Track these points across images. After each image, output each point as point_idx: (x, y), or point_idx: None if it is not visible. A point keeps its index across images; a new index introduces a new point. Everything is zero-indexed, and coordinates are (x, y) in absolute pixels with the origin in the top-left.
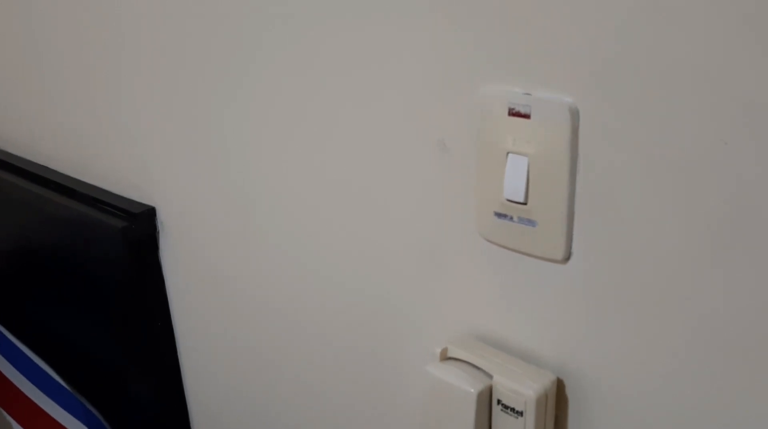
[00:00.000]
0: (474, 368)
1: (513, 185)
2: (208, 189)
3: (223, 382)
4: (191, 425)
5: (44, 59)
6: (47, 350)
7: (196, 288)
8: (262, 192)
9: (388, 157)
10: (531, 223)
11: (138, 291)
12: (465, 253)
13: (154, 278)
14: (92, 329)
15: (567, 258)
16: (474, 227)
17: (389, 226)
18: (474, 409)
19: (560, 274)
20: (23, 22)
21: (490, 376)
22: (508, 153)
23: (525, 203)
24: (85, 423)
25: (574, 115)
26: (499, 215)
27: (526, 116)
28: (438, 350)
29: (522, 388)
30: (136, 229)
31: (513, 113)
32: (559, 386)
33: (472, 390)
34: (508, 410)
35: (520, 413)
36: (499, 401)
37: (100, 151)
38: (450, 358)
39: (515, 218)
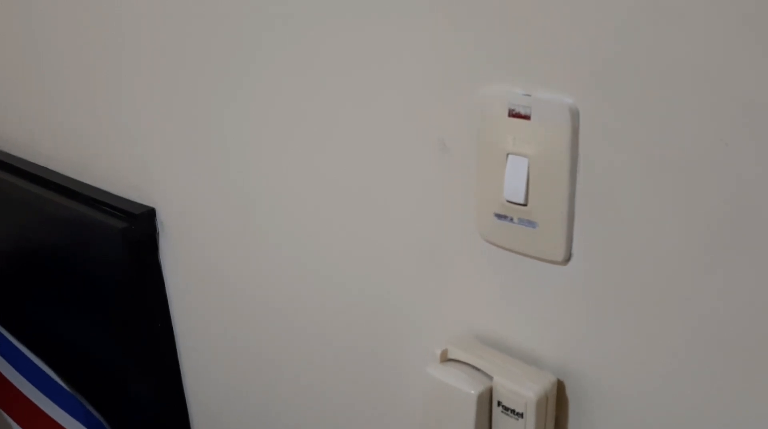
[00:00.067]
0: (474, 370)
1: (513, 186)
2: (208, 189)
3: (223, 382)
4: (191, 425)
5: (44, 59)
6: (47, 351)
7: (196, 288)
8: (262, 192)
9: (388, 157)
10: (531, 224)
11: (138, 291)
12: (465, 254)
13: (154, 279)
14: (92, 330)
15: (567, 259)
16: (474, 228)
17: (389, 226)
18: (474, 410)
19: (560, 275)
20: (23, 22)
21: (491, 378)
22: (508, 154)
23: (525, 204)
24: (85, 424)
25: (575, 115)
26: (499, 216)
27: (526, 117)
28: (438, 351)
29: (522, 389)
30: (136, 229)
31: (513, 114)
32: (560, 387)
33: (473, 392)
34: (509, 412)
35: (521, 415)
36: (499, 403)
37: (100, 152)
38: (450, 360)
39: (515, 219)
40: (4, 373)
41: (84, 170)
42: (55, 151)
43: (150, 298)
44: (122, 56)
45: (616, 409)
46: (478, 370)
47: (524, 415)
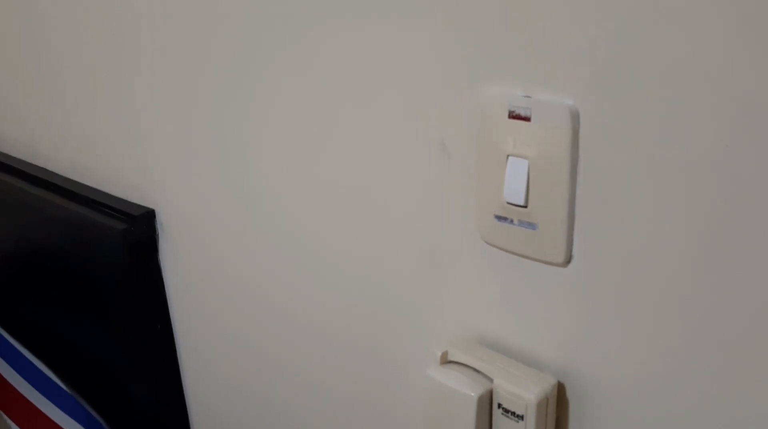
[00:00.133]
0: (474, 372)
1: (513, 188)
2: (208, 190)
3: (223, 382)
4: (191, 425)
5: (44, 59)
6: (47, 352)
7: (196, 288)
8: (262, 192)
9: (388, 158)
10: (531, 226)
11: (138, 292)
12: (465, 255)
13: (153, 280)
14: (92, 331)
15: (568, 261)
16: (474, 228)
17: (389, 226)
18: (474, 413)
19: (561, 277)
20: (23, 22)
21: (491, 380)
22: (508, 155)
23: (525, 206)
24: (84, 426)
25: (575, 117)
26: (499, 218)
27: (526, 119)
28: (438, 353)
29: (523, 391)
30: (135, 231)
31: (513, 116)
32: (560, 389)
33: (473, 394)
34: (509, 414)
35: (521, 417)
36: (499, 405)
37: (99, 152)
38: (450, 362)
39: (515, 221)
40: (4, 375)
41: (84, 171)
42: (54, 151)
43: (150, 299)
44: (122, 56)
45: (617, 409)
46: (478, 372)
47: (524, 418)
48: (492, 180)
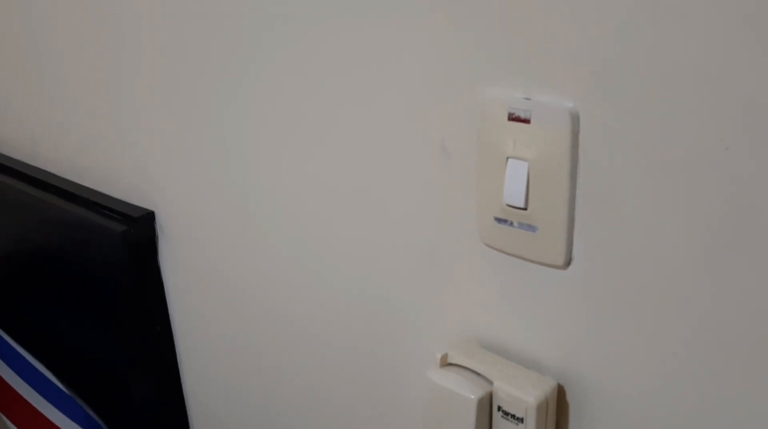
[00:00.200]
0: (474, 374)
1: (513, 190)
2: (208, 190)
3: (223, 382)
4: (191, 426)
5: (44, 59)
6: (47, 353)
7: (196, 289)
8: (262, 192)
9: (388, 158)
10: (531, 228)
11: (137, 294)
12: (465, 257)
13: (153, 281)
14: (92, 332)
15: (568, 263)
16: (474, 229)
17: (389, 227)
18: (474, 415)
19: (561, 279)
20: (23, 22)
21: (491, 382)
22: (508, 158)
23: (525, 208)
24: (84, 427)
25: (575, 119)
26: (499, 220)
27: (526, 121)
28: (438, 356)
29: (523, 394)
30: (135, 232)
31: (513, 118)
32: (560, 391)
33: (473, 396)
34: (509, 417)
35: (521, 420)
36: (499, 408)
37: (99, 153)
38: (450, 364)
39: (515, 223)
40: (4, 377)
41: (83, 172)
42: (54, 152)
43: (149, 300)
44: (122, 56)
45: (617, 410)
46: (478, 374)
47: (524, 420)
48: (492, 182)
